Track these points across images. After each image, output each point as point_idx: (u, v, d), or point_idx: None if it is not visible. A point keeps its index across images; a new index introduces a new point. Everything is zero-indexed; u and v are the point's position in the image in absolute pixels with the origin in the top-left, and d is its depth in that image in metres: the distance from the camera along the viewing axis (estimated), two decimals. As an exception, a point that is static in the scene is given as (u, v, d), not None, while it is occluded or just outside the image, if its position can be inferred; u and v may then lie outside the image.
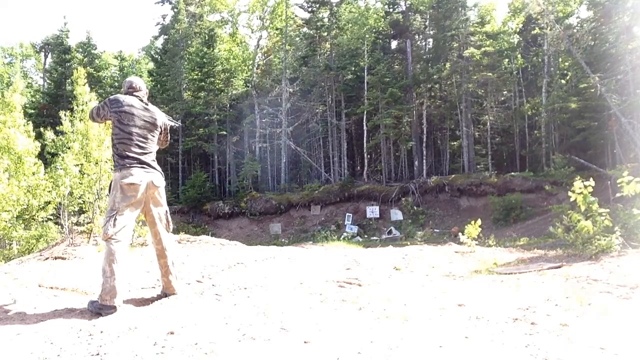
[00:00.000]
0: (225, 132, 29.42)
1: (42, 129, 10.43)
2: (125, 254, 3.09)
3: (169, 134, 3.62)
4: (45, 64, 39.11)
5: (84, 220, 8.55)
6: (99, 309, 2.89)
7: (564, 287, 3.92)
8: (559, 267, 5.03)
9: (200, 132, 28.87)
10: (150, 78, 32.89)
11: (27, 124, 10.64)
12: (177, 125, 3.79)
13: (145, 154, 3.30)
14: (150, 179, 3.24)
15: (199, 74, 29.58)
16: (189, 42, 32.04)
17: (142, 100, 3.39)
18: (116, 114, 3.23)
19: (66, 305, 3.12)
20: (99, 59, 36.58)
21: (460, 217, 20.72)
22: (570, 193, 5.88)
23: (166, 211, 3.42)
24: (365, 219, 22.71)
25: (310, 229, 22.77)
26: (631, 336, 2.55)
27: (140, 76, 30.02)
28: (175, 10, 32.69)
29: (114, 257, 2.96)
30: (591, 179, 5.90)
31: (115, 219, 3.05)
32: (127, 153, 3.20)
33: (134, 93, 3.40)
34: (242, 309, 3.07)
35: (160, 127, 3.46)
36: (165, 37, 34.43)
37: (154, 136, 3.40)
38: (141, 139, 3.28)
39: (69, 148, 8.58)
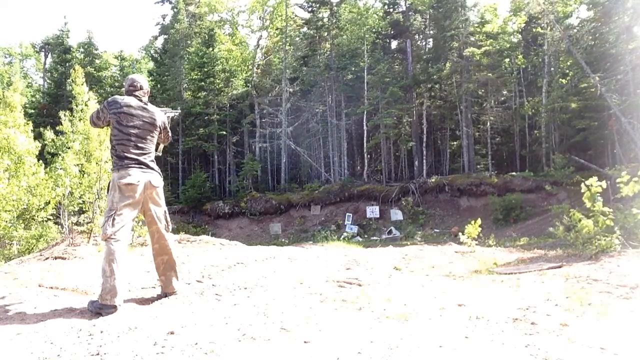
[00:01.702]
0: (225, 132, 29.41)
1: (42, 129, 10.40)
2: (125, 253, 3.10)
3: (169, 132, 3.64)
4: (45, 64, 39.12)
5: (84, 220, 8.54)
6: (99, 308, 2.89)
7: (564, 287, 3.93)
8: (559, 267, 5.03)
9: (200, 132, 28.86)
10: (150, 78, 32.86)
11: (27, 123, 10.62)
12: (176, 113, 3.81)
13: (144, 154, 3.31)
14: (148, 179, 3.25)
15: (199, 74, 29.56)
16: (189, 42, 32.01)
17: (141, 100, 3.38)
18: (115, 115, 3.24)
19: (66, 305, 3.12)
20: (100, 59, 36.55)
21: (460, 217, 20.72)
22: (582, 186, 5.88)
23: (165, 211, 3.43)
24: (365, 219, 22.69)
25: (310, 229, 22.76)
26: (631, 336, 2.54)
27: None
28: (175, 10, 32.70)
29: (113, 256, 2.97)
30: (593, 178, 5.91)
31: (113, 219, 3.06)
32: (125, 154, 3.21)
33: (135, 92, 3.39)
34: (242, 309, 3.07)
35: (160, 127, 3.46)
36: (165, 37, 34.44)
37: (152, 136, 3.40)
38: (140, 139, 3.29)
39: (69, 148, 8.56)
